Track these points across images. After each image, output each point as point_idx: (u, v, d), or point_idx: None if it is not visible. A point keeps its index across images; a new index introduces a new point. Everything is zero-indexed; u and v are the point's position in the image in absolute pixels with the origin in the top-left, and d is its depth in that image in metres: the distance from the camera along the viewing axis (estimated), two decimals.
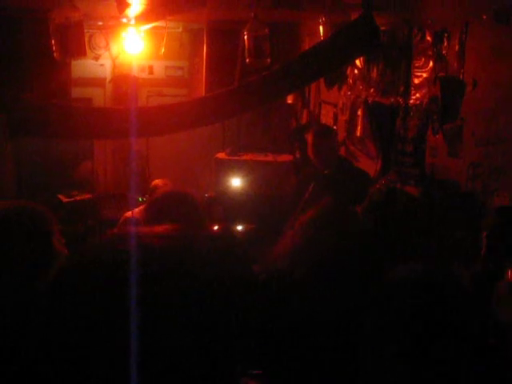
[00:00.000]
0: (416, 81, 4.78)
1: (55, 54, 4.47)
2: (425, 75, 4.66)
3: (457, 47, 4.22)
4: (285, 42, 6.62)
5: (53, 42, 4.41)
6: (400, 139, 5.00)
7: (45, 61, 5.01)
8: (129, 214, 5.86)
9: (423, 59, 4.69)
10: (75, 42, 4.42)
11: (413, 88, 4.83)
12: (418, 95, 4.76)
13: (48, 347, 0.97)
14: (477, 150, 4.03)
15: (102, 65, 7.51)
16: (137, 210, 5.93)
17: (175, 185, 5.83)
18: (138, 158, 7.67)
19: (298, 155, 7.03)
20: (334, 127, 6.43)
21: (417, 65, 4.77)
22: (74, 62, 5.88)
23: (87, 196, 7.41)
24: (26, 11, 5.19)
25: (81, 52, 4.54)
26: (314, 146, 5.35)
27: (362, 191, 4.27)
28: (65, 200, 7.08)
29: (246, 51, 5.21)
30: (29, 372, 0.99)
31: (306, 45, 6.68)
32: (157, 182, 5.89)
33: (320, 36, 5.19)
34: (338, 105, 6.43)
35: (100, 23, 6.64)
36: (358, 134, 5.78)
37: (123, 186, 7.62)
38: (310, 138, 5.47)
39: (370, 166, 5.53)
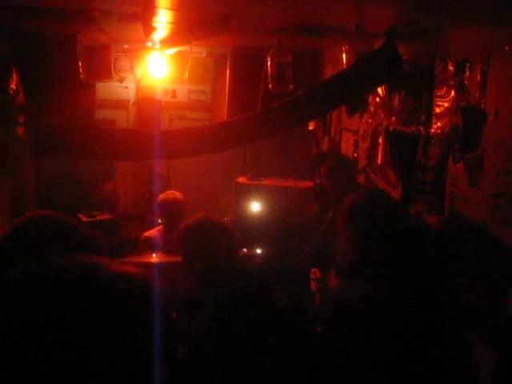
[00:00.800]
0: (437, 110, 4.79)
1: (82, 76, 4.54)
2: (446, 104, 4.67)
3: (478, 77, 4.23)
4: (308, 69, 6.65)
5: (80, 63, 4.48)
6: (420, 168, 5.00)
7: (71, 82, 5.09)
8: (147, 233, 5.91)
9: (445, 89, 4.70)
10: (101, 64, 4.48)
11: (434, 117, 4.84)
12: (439, 124, 4.77)
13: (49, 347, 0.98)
14: (498, 181, 4.02)
15: (126, 87, 7.61)
16: (155, 230, 5.97)
17: (183, 196, 5.87)
18: (158, 180, 7.73)
19: (317, 182, 7.05)
20: (355, 154, 6.45)
21: (438, 94, 4.79)
22: (98, 84, 5.96)
23: (107, 216, 7.46)
24: (54, 34, 5.29)
25: (107, 74, 4.61)
26: (328, 178, 5.41)
27: None
28: (85, 219, 7.14)
29: (269, 77, 5.26)
30: (29, 372, 0.99)
31: (329, 72, 6.72)
32: (162, 196, 5.92)
33: (343, 64, 5.22)
34: (358, 132, 6.45)
35: (126, 46, 6.74)
36: (379, 161, 5.79)
37: (143, 207, 7.68)
38: (323, 170, 5.53)
39: (390, 193, 5.53)
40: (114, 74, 6.30)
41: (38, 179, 7.05)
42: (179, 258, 3.66)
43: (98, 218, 7.29)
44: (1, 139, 5.22)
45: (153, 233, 5.92)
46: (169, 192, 6.00)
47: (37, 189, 6.98)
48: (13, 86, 5.33)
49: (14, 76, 5.35)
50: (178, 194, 5.88)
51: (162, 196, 5.90)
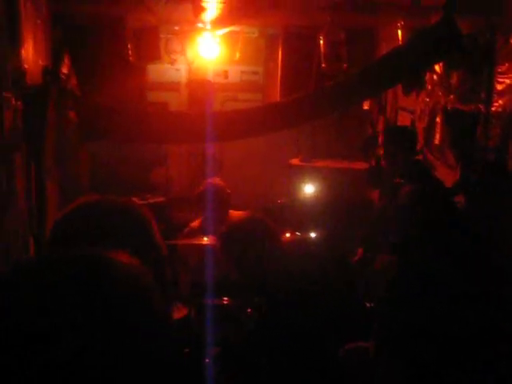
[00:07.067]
0: (499, 87, 4.60)
1: (131, 58, 4.51)
2: (508, 81, 4.47)
3: None
4: (361, 48, 6.50)
5: (128, 46, 4.45)
6: (481, 148, 4.82)
7: (121, 65, 5.07)
8: (192, 224, 5.68)
9: (507, 64, 4.50)
10: (150, 46, 4.45)
11: (495, 94, 4.65)
12: (500, 102, 4.58)
13: None
14: None
15: (177, 69, 7.58)
16: (199, 221, 5.65)
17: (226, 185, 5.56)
18: (212, 162, 7.69)
19: (373, 163, 6.90)
20: None
21: (499, 70, 4.59)
22: (150, 67, 5.94)
23: (160, 199, 7.46)
24: (102, 17, 5.26)
25: (156, 56, 4.58)
26: (383, 147, 5.21)
27: None
28: (138, 203, 7.15)
29: (322, 56, 5.15)
30: None
31: (383, 50, 6.54)
32: (202, 186, 5.33)
33: (398, 41, 5.07)
34: (415, 111, 6.27)
35: (176, 28, 6.69)
36: (437, 141, 5.62)
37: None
38: (381, 139, 5.34)
39: (448, 175, 5.34)
40: (164, 56, 6.28)
41: (92, 164, 7.09)
42: None
43: (151, 200, 7.29)
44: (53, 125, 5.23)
45: (197, 224, 5.52)
46: (208, 182, 5.40)
47: (90, 173, 7.02)
48: (64, 71, 5.33)
49: (66, 61, 5.35)
50: (218, 182, 5.30)
51: (201, 187, 5.29)
